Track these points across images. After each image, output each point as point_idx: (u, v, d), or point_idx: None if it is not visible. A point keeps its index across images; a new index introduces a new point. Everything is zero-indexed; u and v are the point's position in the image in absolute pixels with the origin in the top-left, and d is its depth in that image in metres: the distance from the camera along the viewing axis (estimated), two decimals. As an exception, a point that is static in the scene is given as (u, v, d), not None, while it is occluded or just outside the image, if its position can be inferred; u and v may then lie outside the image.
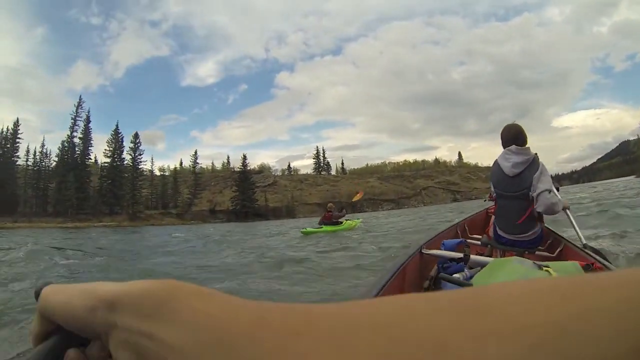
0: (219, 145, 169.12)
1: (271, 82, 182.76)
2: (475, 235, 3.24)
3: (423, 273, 1.98)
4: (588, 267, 1.55)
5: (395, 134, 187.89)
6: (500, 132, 2.47)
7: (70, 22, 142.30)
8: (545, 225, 2.59)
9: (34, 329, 0.26)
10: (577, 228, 2.59)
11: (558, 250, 2.54)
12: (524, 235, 2.37)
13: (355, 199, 16.89)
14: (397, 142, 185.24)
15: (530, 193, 2.26)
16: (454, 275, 1.45)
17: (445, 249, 2.00)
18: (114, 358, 0.23)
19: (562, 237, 2.63)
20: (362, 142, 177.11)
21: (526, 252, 2.30)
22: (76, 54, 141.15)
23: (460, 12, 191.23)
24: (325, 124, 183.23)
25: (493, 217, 2.60)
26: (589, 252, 2.12)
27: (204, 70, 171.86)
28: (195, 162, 77.25)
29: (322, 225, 11.78)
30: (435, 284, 1.97)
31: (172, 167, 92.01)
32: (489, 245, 2.51)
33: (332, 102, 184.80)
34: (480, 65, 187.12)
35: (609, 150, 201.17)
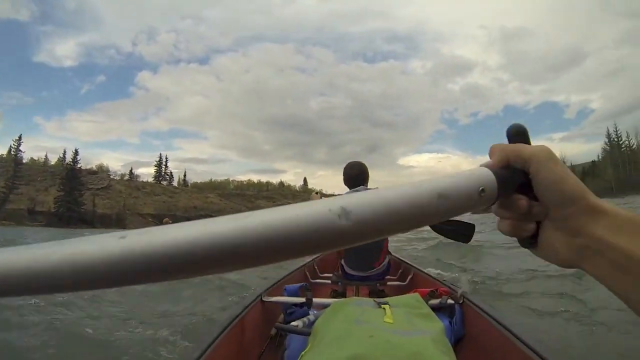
0: (64, 138, 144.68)
1: (132, 80, 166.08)
2: (326, 274, 3.26)
3: (268, 321, 1.85)
4: (433, 293, 1.67)
5: (245, 153, 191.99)
6: (344, 168, 2.49)
7: None
8: (394, 254, 2.73)
9: (503, 156, 0.33)
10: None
11: (409, 278, 2.74)
12: (376, 268, 2.39)
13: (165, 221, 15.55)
14: (246, 161, 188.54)
15: None
16: (296, 321, 1.40)
17: (287, 295, 1.91)
18: (544, 240, 0.33)
19: (412, 265, 2.87)
20: (211, 157, 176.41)
21: (378, 284, 2.40)
22: None
23: (332, 46, 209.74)
24: (178, 132, 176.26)
25: (339, 258, 2.60)
26: (434, 277, 2.38)
27: (63, 50, 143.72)
28: (17, 149, 65.19)
29: None
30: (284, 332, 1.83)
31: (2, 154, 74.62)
32: (340, 283, 2.50)
33: (189, 111, 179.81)
34: (340, 98, 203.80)
35: None
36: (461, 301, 1.67)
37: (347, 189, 2.42)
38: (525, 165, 0.32)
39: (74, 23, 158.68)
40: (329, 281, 2.73)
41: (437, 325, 0.98)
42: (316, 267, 3.46)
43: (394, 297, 1.28)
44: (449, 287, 1.87)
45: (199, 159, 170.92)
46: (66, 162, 74.94)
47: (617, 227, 0.29)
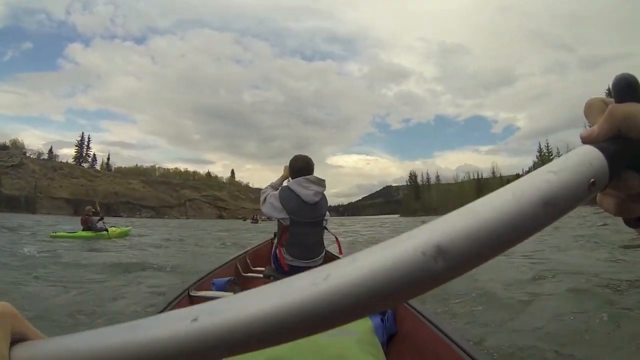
0: None
1: (61, 51, 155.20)
2: (259, 268, 3.15)
3: None
4: None
5: (175, 141, 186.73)
6: (290, 160, 2.50)
7: None
8: (327, 250, 2.64)
9: (606, 126, 0.25)
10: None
11: None
12: (316, 258, 2.39)
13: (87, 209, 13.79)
14: (175, 149, 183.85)
15: (325, 219, 2.42)
16: None
17: (215, 289, 1.85)
18: None
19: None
20: (139, 142, 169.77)
21: None
22: None
23: (272, 40, 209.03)
24: (107, 114, 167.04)
25: (278, 246, 2.42)
26: None
27: None
28: None
29: (81, 230, 10.74)
30: None
31: None
32: (272, 277, 2.42)
33: (119, 92, 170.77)
34: (273, 93, 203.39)
35: (373, 192, 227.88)
36: None
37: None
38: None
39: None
40: (261, 275, 2.71)
41: (365, 325, 0.97)
42: (248, 260, 3.36)
43: None
44: None
45: (127, 143, 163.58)
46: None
47: None
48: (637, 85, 0.26)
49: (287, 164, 2.54)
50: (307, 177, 2.38)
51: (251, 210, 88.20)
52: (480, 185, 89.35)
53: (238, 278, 2.42)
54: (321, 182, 2.39)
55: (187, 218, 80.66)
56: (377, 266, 0.19)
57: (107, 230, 10.85)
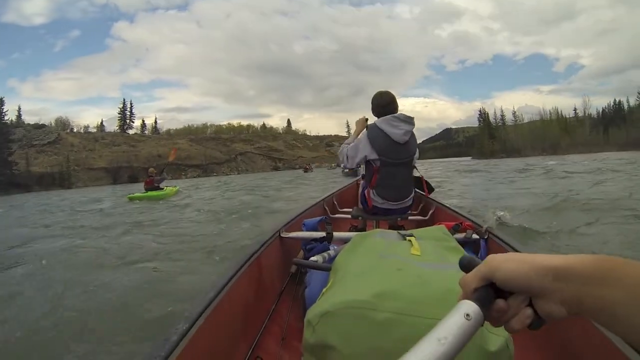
0: (43, 99, 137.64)
1: (107, 32, 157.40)
2: (346, 209, 3.20)
3: (287, 257, 1.79)
4: (457, 227, 1.72)
5: (230, 99, 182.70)
6: (373, 97, 2.40)
7: None
8: (415, 189, 2.57)
9: (473, 284, 0.37)
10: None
11: (430, 212, 2.72)
12: (405, 200, 2.39)
13: (171, 158, 15.82)
14: (231, 107, 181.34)
15: (415, 159, 2.38)
16: (316, 256, 1.39)
17: (306, 230, 1.91)
18: (542, 310, 0.35)
19: (433, 200, 2.80)
20: (195, 105, 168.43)
21: (399, 219, 2.39)
22: None
23: None
24: (160, 83, 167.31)
25: (367, 188, 2.40)
26: (458, 211, 2.28)
27: (32, 7, 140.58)
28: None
29: (147, 191, 11.83)
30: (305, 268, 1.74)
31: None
32: (360, 217, 2.50)
33: (170, 60, 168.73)
34: (324, 42, 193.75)
35: (433, 135, 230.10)
36: (486, 236, 1.63)
37: (376, 119, 2.35)
38: (489, 279, 0.37)
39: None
40: (349, 216, 2.75)
41: None
42: (335, 202, 3.41)
43: (419, 229, 1.25)
44: (474, 222, 1.82)
45: (182, 108, 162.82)
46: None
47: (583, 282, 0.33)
48: (474, 262, 0.40)
49: (358, 118, 2.51)
50: (396, 115, 2.29)
51: (309, 159, 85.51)
52: (567, 125, 78.94)
53: (328, 218, 2.43)
54: (410, 120, 2.29)
55: (239, 173, 76.61)
56: None
57: (162, 189, 11.90)
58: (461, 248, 1.07)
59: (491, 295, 0.36)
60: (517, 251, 1.35)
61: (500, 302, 0.36)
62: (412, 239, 1.03)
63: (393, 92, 2.37)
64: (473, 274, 0.38)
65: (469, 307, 0.34)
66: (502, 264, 0.36)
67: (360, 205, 2.53)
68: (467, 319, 0.32)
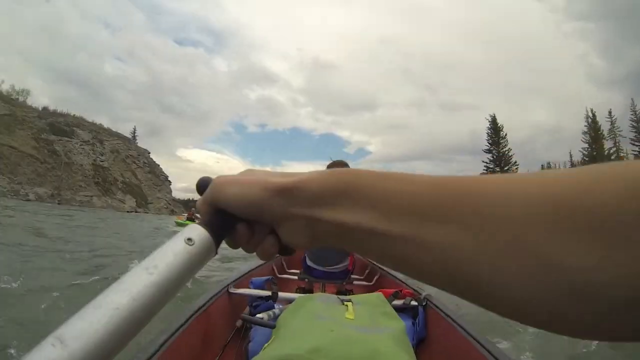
0: None
1: None
2: (294, 270, 3.19)
3: (234, 312, 1.83)
4: (396, 294, 1.75)
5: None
6: (327, 165, 2.44)
7: None
8: (358, 255, 2.56)
9: (203, 214, 0.31)
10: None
11: (375, 278, 2.79)
12: (339, 265, 2.44)
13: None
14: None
15: None
16: (262, 314, 1.44)
17: (253, 287, 1.95)
18: (282, 237, 0.31)
19: (378, 266, 2.85)
20: None
21: (345, 283, 2.50)
22: None
23: (146, 10, 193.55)
24: None
25: (305, 252, 2.59)
26: (399, 278, 2.32)
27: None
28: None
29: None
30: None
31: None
32: (306, 279, 2.55)
33: None
34: (137, 70, 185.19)
35: None
36: (424, 303, 1.67)
37: None
38: (215, 204, 0.31)
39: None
40: (296, 277, 2.79)
41: (399, 324, 0.99)
42: (284, 262, 3.44)
43: (357, 295, 1.31)
44: (414, 290, 1.89)
45: None
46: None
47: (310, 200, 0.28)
48: (207, 182, 0.34)
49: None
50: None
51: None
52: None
53: (275, 278, 2.31)
54: None
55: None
56: None
57: None
58: (395, 314, 1.11)
59: (228, 219, 0.32)
60: (452, 318, 1.45)
61: (241, 228, 0.32)
62: (349, 304, 1.09)
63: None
64: (202, 198, 0.33)
65: (194, 230, 0.30)
66: (225, 187, 0.31)
67: (302, 268, 2.64)
68: (188, 243, 0.28)
